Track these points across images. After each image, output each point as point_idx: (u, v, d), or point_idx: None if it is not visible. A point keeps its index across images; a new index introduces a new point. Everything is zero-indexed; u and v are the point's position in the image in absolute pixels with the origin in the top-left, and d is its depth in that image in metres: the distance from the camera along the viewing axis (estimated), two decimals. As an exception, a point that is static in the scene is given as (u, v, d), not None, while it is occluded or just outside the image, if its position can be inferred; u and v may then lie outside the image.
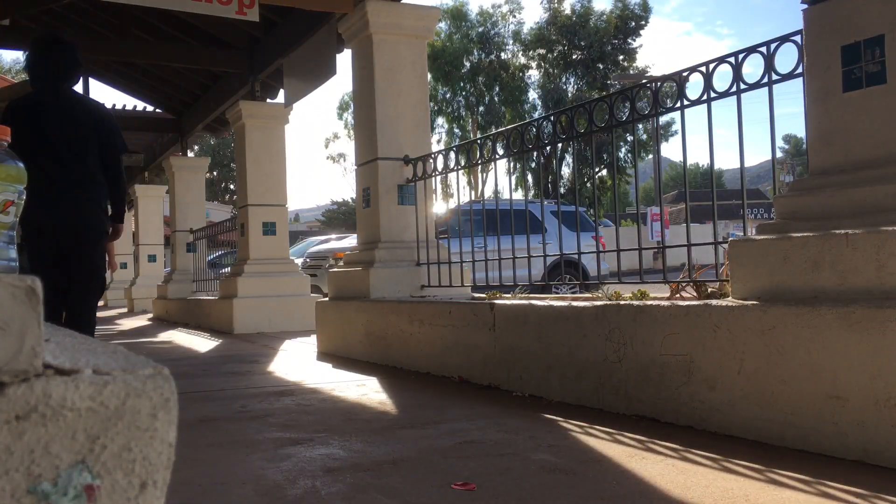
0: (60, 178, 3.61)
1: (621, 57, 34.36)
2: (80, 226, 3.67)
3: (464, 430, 2.81)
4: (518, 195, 19.84)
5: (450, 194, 11.91)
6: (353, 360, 5.21)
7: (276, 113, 8.81)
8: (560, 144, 4.15)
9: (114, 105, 12.29)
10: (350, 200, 43.22)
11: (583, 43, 33.67)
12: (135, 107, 12.31)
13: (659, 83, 3.24)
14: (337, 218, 45.07)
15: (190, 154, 12.39)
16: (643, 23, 34.30)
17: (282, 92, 8.65)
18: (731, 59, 2.86)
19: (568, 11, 34.36)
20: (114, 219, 3.92)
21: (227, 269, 9.87)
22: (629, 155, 31.68)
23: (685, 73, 3.09)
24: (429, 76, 7.74)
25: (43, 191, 3.45)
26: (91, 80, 11.50)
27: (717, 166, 3.14)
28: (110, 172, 3.79)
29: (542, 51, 34.64)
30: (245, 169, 8.70)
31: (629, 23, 34.02)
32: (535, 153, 7.25)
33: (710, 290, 3.03)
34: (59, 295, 3.65)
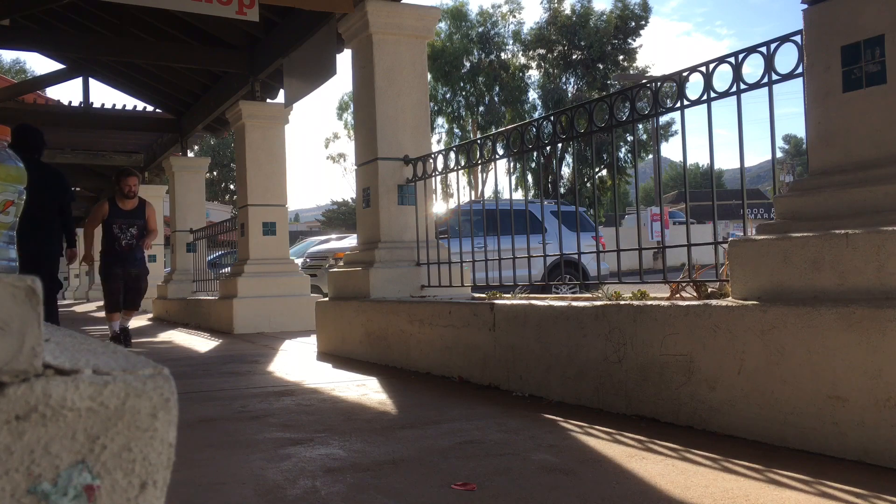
0: (39, 218, 5.06)
1: (621, 57, 34.38)
2: (48, 250, 5.41)
3: (464, 430, 2.81)
4: (518, 195, 19.84)
5: (450, 194, 11.92)
6: (353, 360, 5.21)
7: (276, 113, 8.81)
8: (560, 144, 4.15)
9: (114, 105, 12.29)
10: (350, 200, 43.22)
11: (583, 43, 33.68)
12: (135, 107, 12.30)
13: (659, 83, 3.24)
14: (337, 218, 45.06)
15: (190, 154, 12.39)
16: (643, 23, 34.32)
17: (282, 92, 8.65)
18: (731, 59, 2.86)
19: (568, 11, 34.38)
20: (69, 245, 6.03)
21: (227, 269, 9.87)
22: (629, 155, 31.68)
23: (685, 73, 3.08)
24: (429, 76, 7.74)
25: (28, 226, 4.77)
26: (91, 80, 11.51)
27: (717, 166, 3.14)
28: (64, 215, 5.65)
29: (542, 51, 34.64)
30: (245, 169, 8.70)
31: (629, 23, 34.04)
32: (535, 153, 7.24)
33: (710, 290, 3.03)
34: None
